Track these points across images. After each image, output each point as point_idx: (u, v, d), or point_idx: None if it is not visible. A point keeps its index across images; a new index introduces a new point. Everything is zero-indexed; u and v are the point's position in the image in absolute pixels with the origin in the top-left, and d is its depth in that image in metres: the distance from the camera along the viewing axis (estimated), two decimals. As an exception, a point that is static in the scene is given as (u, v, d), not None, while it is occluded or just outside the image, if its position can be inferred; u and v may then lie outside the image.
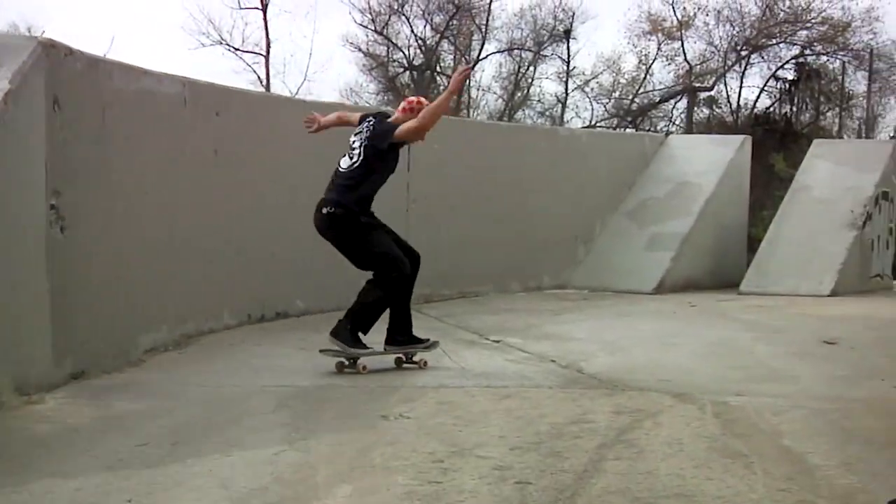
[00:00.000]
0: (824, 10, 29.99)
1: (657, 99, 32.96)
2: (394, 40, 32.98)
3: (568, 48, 33.24)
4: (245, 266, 8.37)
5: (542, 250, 12.26)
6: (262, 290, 8.65)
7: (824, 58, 30.49)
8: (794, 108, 29.31)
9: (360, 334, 6.35)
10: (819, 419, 5.16)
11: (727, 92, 31.65)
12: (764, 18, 30.88)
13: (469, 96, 33.33)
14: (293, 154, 8.96)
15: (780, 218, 13.00)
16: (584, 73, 33.65)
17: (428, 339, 6.65)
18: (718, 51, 31.84)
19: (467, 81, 32.52)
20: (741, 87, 31.45)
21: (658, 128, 31.85)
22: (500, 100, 34.08)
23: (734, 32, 31.35)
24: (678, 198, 13.25)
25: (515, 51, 33.54)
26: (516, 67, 33.66)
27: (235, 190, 8.23)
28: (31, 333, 5.46)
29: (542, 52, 33.29)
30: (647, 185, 13.58)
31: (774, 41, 30.85)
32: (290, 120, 9.06)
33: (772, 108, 29.40)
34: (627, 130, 31.30)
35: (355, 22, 32.69)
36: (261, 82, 30.44)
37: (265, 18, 30.38)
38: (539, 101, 33.93)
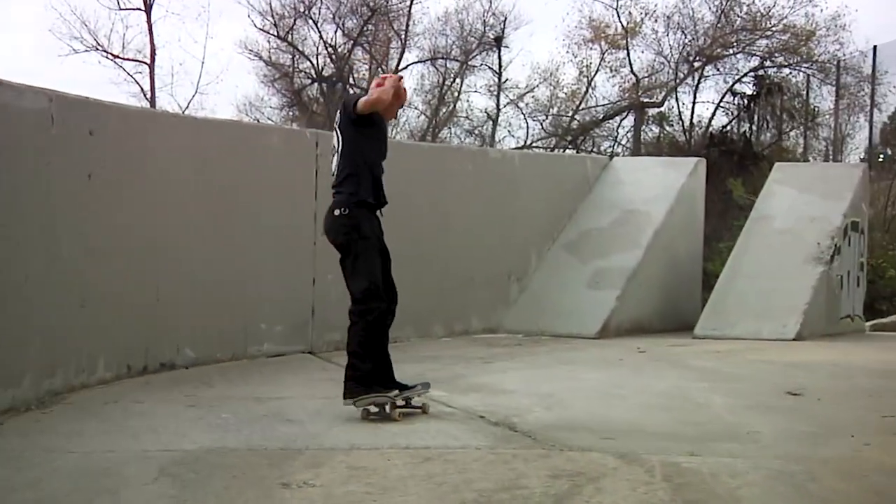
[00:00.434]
0: (786, 17, 30.59)
1: (600, 116, 33.31)
2: (300, 47, 32.95)
3: (499, 58, 33.52)
4: (124, 308, 8.26)
5: (470, 289, 12.30)
6: (144, 336, 8.54)
7: (786, 70, 31.07)
8: (754, 127, 29.80)
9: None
10: (782, 482, 5.23)
11: (679, 108, 32.05)
12: (719, 26, 31.40)
13: (386, 112, 33.41)
14: (182, 178, 8.90)
15: (739, 251, 13.23)
16: (517, 87, 33.91)
17: (416, 385, 6.97)
18: (669, 62, 32.30)
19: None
20: (694, 102, 31.89)
21: (602, 149, 32.19)
22: (423, 116, 34.23)
23: (686, 41, 31.83)
24: (624, 228, 13.42)
25: (440, 60, 33.71)
26: (441, 79, 33.84)
27: (112, 220, 8.13)
28: None
29: (469, 62, 33.52)
30: (590, 213, 13.74)
31: (731, 51, 31.39)
32: (178, 139, 9.03)
33: (729, 127, 29.84)
34: (567, 152, 31.56)
35: (255, 26, 32.39)
36: (144, 95, 30.14)
37: (149, 21, 30.09)
38: (467, 117, 34.12)
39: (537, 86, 33.93)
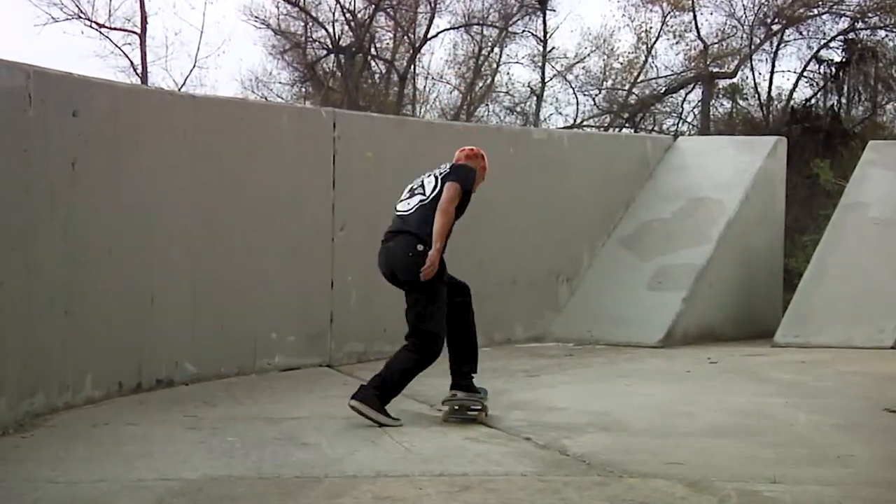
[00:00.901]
0: (882, -31, 30.33)
1: (662, 89, 33.22)
2: (313, 13, 33.05)
3: (544, 23, 33.53)
4: (114, 317, 8.31)
5: (512, 292, 12.29)
6: (138, 349, 8.60)
7: (882, 33, 30.87)
8: (843, 100, 29.64)
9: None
10: (878, 512, 5.21)
11: (754, 79, 31.93)
12: (802, -18, 31.21)
13: (414, 87, 33.48)
14: (179, 165, 8.94)
15: (826, 246, 13.14)
16: (565, 56, 33.90)
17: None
18: (742, 25, 32.18)
19: (413, 68, 32.73)
20: (773, 72, 31.75)
21: (664, 127, 32.14)
22: (456, 91, 34.24)
23: (763, 0, 31.70)
24: (691, 219, 13.37)
25: (475, 27, 33.71)
26: (477, 49, 33.84)
27: (100, 215, 8.18)
28: None
29: (510, 29, 33.49)
30: (651, 202, 13.70)
31: (816, 11, 31.19)
32: (174, 121, 9.07)
33: (813, 100, 29.70)
34: (624, 131, 31.51)
35: (262, -11, 32.81)
36: (135, 71, 30.38)
37: (140, -16, 30.32)
38: (507, 92, 34.11)
39: (588, 55, 33.90)
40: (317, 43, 33.56)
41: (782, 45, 31.62)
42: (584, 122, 32.65)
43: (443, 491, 5.57)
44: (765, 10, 31.52)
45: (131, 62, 30.64)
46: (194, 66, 31.93)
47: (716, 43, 32.70)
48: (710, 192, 13.64)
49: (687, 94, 33.18)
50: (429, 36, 32.94)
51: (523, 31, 33.67)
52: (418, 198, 7.66)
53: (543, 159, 12.90)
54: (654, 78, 33.54)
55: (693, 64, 32.85)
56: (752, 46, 31.68)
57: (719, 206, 13.47)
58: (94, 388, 8.15)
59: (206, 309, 9.23)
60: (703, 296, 12.79)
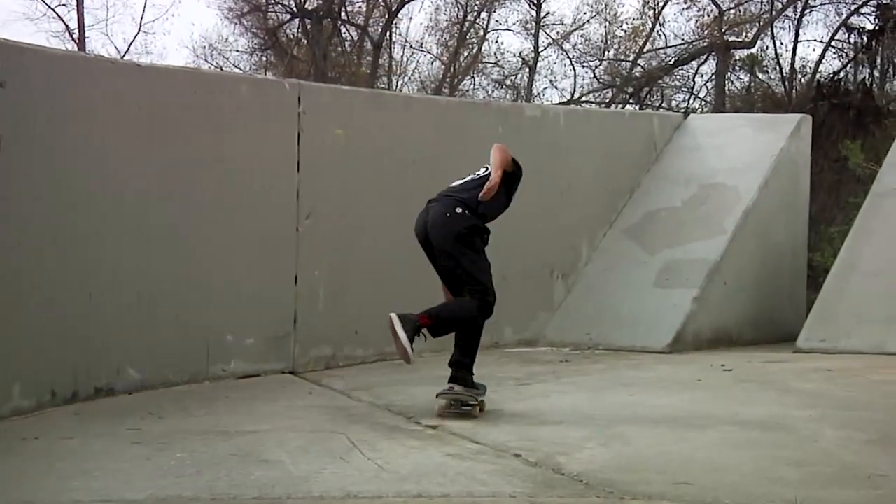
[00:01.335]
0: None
1: (672, 61, 33.26)
2: (276, -28, 33.02)
3: (539, -16, 33.54)
4: (47, 318, 8.30)
5: (501, 290, 12.15)
6: (74, 353, 8.58)
7: (920, -2, 30.96)
8: (876, 73, 29.70)
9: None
10: (914, 539, 5.22)
11: (776, 49, 32.04)
12: (829, -62, 31.28)
13: (390, 57, 33.45)
14: (122, 144, 8.92)
15: (857, 238, 13.17)
16: (562, 23, 33.97)
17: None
18: (762, -12, 32.24)
19: (389, 34, 32.68)
20: (796, 41, 31.86)
21: (673, 104, 32.19)
22: (438, 62, 34.25)
23: (786, -40, 31.73)
24: (704, 207, 13.41)
25: (460, -12, 33.73)
26: (461, 14, 33.88)
27: (30, 195, 8.16)
28: None
29: (499, -10, 33.52)
30: (658, 188, 13.74)
31: (846, -27, 31.28)
32: (117, 94, 9.05)
33: (842, 74, 29.77)
34: (628, 108, 31.55)
35: (217, -56, 32.74)
36: (70, 35, 30.34)
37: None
38: (496, 63, 34.17)
39: (588, 21, 33.98)
40: (279, 6, 33.56)
41: (807, 10, 31.71)
42: (583, 98, 32.68)
43: (421, 514, 5.57)
44: (788, -30, 31.59)
45: (67, 26, 30.67)
46: (139, 31, 32.04)
47: (732, 8, 32.82)
48: (724, 178, 13.68)
49: (699, 66, 33.26)
50: (407, -1, 32.95)
51: (514, -7, 33.75)
52: (470, 177, 8.59)
53: (537, 139, 12.90)
54: (663, 48, 33.65)
55: (706, 32, 32.94)
56: (774, 12, 31.77)
57: (735, 192, 13.50)
58: (22, 397, 8.12)
59: (153, 308, 9.20)
60: (717, 294, 12.82)
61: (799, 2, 31.49)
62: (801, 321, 12.83)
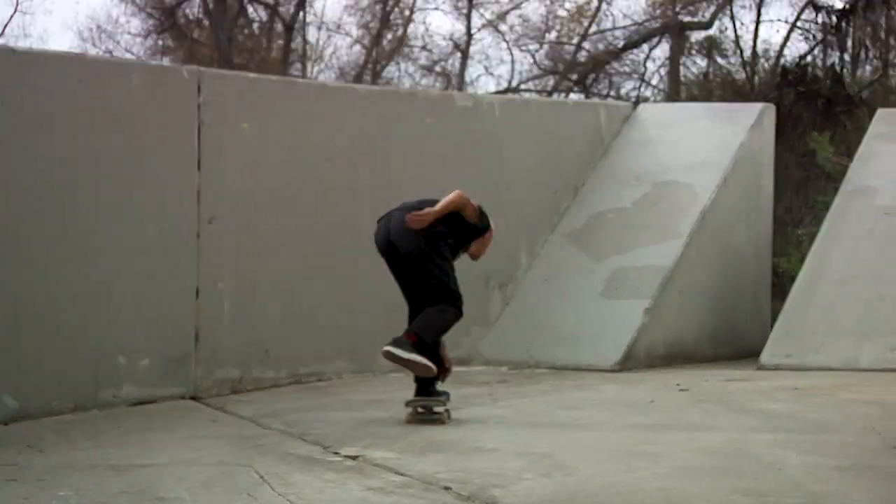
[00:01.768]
0: None
1: (620, 44, 33.44)
2: (173, -56, 32.92)
3: (470, -42, 33.62)
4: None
5: (430, 301, 12.30)
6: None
7: (895, -27, 31.30)
8: (847, 58, 29.98)
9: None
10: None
11: (735, 31, 32.25)
12: None
13: (304, 40, 33.42)
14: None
15: (826, 241, 13.29)
16: (497, 2, 34.04)
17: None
18: (721, -39, 32.48)
19: (302, 15, 32.63)
20: (758, 22, 32.07)
21: (622, 92, 32.36)
22: (358, 46, 34.25)
23: (746, -70, 32.00)
24: (656, 208, 13.48)
25: (382, -38, 33.76)
26: (384, -10, 33.89)
27: None
28: None
29: (426, -35, 33.59)
30: (605, 187, 13.80)
31: (813, -55, 31.56)
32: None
33: (809, 58, 30.03)
34: (571, 97, 31.68)
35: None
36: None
37: None
38: (424, 47, 34.22)
39: (527, 0, 34.01)
40: (178, -16, 33.45)
41: (771, -13, 31.89)
42: (522, 86, 32.79)
43: (339, 556, 5.58)
44: (749, -59, 31.86)
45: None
46: (15, 10, 31.70)
47: (687, -16, 32.98)
48: (679, 175, 13.76)
49: (651, 50, 33.49)
50: (322, -26, 32.96)
51: (443, -32, 33.84)
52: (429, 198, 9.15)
53: (469, 132, 12.94)
54: (610, 29, 33.84)
55: (659, 12, 33.12)
56: (733, -11, 31.98)
57: (691, 192, 13.59)
58: None
59: (30, 327, 9.13)
60: (671, 306, 12.90)
61: (761, -23, 31.75)
62: (766, 335, 12.93)
